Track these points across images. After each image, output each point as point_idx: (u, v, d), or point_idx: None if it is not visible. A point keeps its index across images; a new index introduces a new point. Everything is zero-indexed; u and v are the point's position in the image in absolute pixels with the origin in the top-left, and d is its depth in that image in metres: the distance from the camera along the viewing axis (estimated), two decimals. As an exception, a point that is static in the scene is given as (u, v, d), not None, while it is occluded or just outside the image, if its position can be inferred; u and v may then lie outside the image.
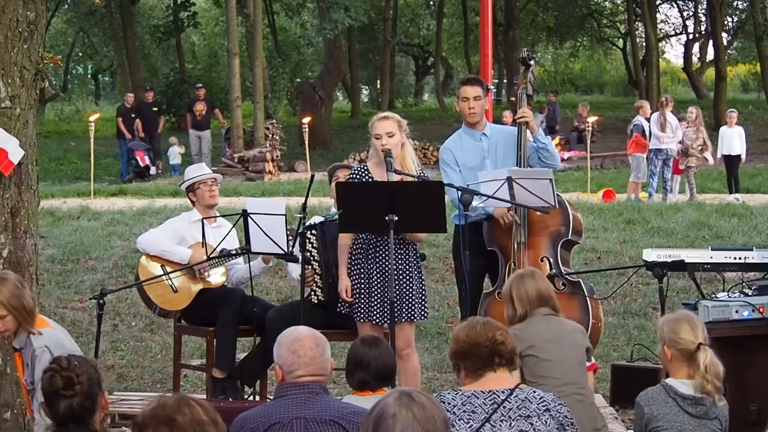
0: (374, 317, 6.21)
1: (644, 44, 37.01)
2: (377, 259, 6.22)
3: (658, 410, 4.39)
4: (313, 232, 6.58)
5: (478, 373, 3.92)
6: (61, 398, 3.56)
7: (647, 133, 17.03)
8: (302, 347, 3.96)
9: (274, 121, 24.93)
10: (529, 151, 6.78)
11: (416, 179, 6.24)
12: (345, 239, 6.30)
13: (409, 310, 6.24)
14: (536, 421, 3.83)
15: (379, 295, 6.19)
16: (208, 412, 3.05)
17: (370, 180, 6.29)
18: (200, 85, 25.79)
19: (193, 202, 7.12)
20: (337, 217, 6.56)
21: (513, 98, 7.11)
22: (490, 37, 12.32)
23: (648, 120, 17.25)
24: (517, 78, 7.16)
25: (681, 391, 4.40)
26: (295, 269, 6.97)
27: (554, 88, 39.38)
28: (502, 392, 3.87)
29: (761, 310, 5.72)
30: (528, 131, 6.76)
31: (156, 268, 6.83)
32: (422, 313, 6.36)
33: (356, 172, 6.42)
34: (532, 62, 6.98)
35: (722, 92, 30.84)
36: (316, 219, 6.77)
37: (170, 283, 6.80)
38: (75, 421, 3.57)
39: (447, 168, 6.82)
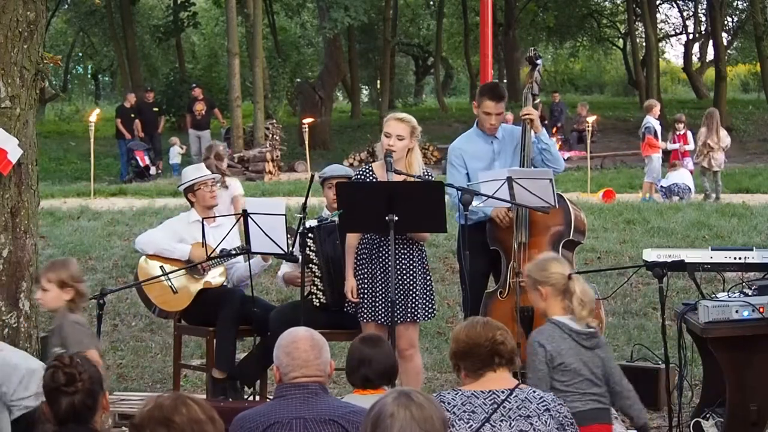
0: (379, 317, 6.22)
1: (644, 44, 37.00)
2: (380, 259, 6.22)
3: (560, 346, 4.80)
4: (310, 235, 6.58)
5: (479, 373, 3.92)
6: (62, 395, 3.56)
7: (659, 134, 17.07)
8: (297, 349, 3.97)
9: (274, 121, 24.93)
10: (533, 152, 6.79)
11: (417, 179, 6.24)
12: (352, 240, 6.31)
13: (413, 310, 6.24)
14: (536, 421, 3.83)
15: (382, 295, 6.19)
16: (205, 410, 3.05)
17: (373, 180, 6.30)
18: (195, 85, 25.79)
19: (192, 203, 7.12)
20: (331, 219, 6.58)
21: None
22: (490, 37, 12.31)
23: (659, 120, 17.24)
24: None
25: (575, 328, 4.84)
26: (282, 270, 6.98)
27: (555, 88, 39.33)
28: (502, 392, 3.87)
29: (761, 310, 5.71)
30: (533, 132, 6.78)
31: (155, 270, 6.82)
32: (426, 313, 6.35)
33: (360, 173, 6.43)
34: (539, 61, 6.97)
35: (722, 92, 30.84)
36: (311, 222, 6.76)
37: (170, 284, 6.80)
38: (76, 419, 3.57)
39: (453, 170, 6.83)
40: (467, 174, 6.75)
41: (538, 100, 6.97)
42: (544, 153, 6.77)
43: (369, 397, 4.18)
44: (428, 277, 6.40)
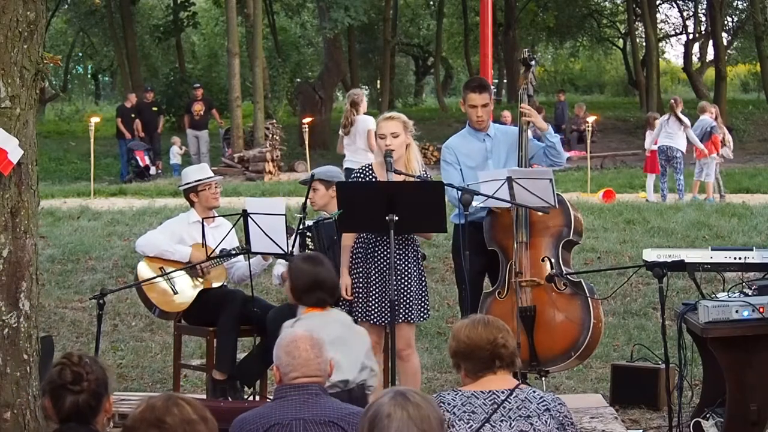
0: (372, 317, 6.21)
1: (644, 44, 37.00)
2: (376, 259, 6.22)
3: None
4: (308, 234, 6.58)
5: (478, 375, 3.91)
6: (67, 393, 3.56)
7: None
8: (297, 348, 3.98)
9: (274, 121, 24.91)
10: (533, 150, 6.79)
11: (417, 179, 6.24)
12: (347, 240, 6.30)
13: (407, 311, 6.23)
14: (536, 421, 3.82)
15: (377, 295, 6.19)
16: (197, 410, 3.05)
17: (374, 180, 6.30)
18: (198, 85, 25.79)
19: (192, 203, 7.11)
20: (328, 217, 6.58)
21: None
22: (490, 37, 12.32)
23: (715, 119, 17.11)
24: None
25: None
26: (278, 269, 6.99)
27: (559, 87, 39.35)
28: (502, 392, 3.86)
29: (761, 310, 5.72)
30: (530, 131, 6.78)
31: (155, 271, 6.82)
32: (421, 314, 6.35)
33: (360, 172, 6.43)
34: (532, 62, 6.98)
35: (722, 92, 30.88)
36: (308, 222, 6.76)
37: (170, 284, 6.80)
38: (78, 419, 3.58)
39: (448, 167, 6.82)
40: (461, 171, 6.75)
41: (534, 100, 6.98)
42: (549, 150, 6.78)
43: (320, 314, 4.99)
44: (423, 278, 6.39)
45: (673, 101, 17.32)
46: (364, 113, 11.84)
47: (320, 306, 5.06)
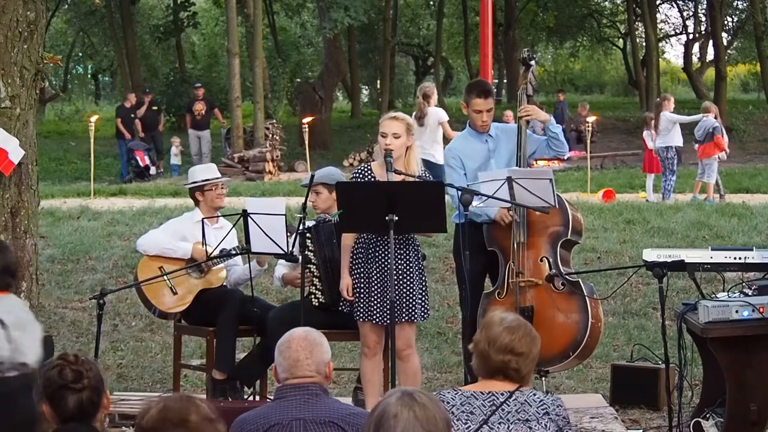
0: (374, 317, 6.21)
1: (644, 44, 37.01)
2: (377, 259, 6.22)
3: None
4: (308, 235, 6.58)
5: (480, 376, 3.91)
6: (70, 392, 3.56)
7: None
8: (288, 349, 3.97)
9: (274, 121, 24.90)
10: (533, 146, 6.80)
11: (416, 179, 6.24)
12: (348, 240, 6.30)
13: (409, 310, 6.23)
14: (535, 425, 3.80)
15: (378, 295, 6.19)
16: (210, 408, 3.07)
17: (373, 180, 6.30)
18: (199, 85, 25.79)
19: (197, 202, 7.12)
20: (328, 218, 6.58)
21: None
22: (490, 37, 12.32)
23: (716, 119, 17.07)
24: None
25: None
26: (279, 270, 6.99)
27: (558, 87, 39.35)
28: (501, 394, 3.85)
29: (761, 310, 5.72)
30: (528, 130, 6.79)
31: (155, 271, 6.82)
32: (422, 313, 6.35)
33: (359, 172, 6.43)
34: (532, 62, 6.98)
35: (722, 92, 30.88)
36: (309, 223, 6.77)
37: (169, 284, 6.80)
38: (80, 417, 3.57)
39: (452, 171, 6.83)
40: (465, 174, 6.76)
41: (534, 100, 6.98)
42: (552, 140, 6.79)
43: (4, 297, 4.96)
44: (423, 277, 6.39)
45: (659, 101, 17.30)
46: (435, 105, 12.41)
47: (5, 289, 5.12)
